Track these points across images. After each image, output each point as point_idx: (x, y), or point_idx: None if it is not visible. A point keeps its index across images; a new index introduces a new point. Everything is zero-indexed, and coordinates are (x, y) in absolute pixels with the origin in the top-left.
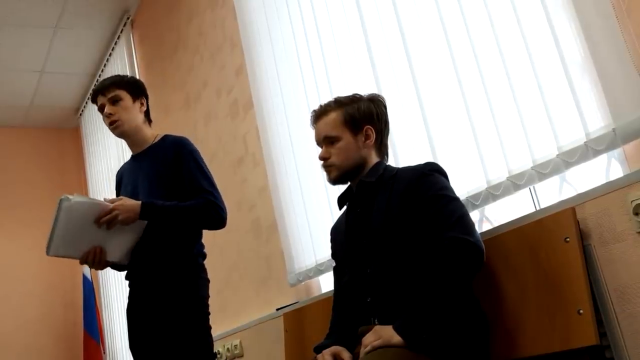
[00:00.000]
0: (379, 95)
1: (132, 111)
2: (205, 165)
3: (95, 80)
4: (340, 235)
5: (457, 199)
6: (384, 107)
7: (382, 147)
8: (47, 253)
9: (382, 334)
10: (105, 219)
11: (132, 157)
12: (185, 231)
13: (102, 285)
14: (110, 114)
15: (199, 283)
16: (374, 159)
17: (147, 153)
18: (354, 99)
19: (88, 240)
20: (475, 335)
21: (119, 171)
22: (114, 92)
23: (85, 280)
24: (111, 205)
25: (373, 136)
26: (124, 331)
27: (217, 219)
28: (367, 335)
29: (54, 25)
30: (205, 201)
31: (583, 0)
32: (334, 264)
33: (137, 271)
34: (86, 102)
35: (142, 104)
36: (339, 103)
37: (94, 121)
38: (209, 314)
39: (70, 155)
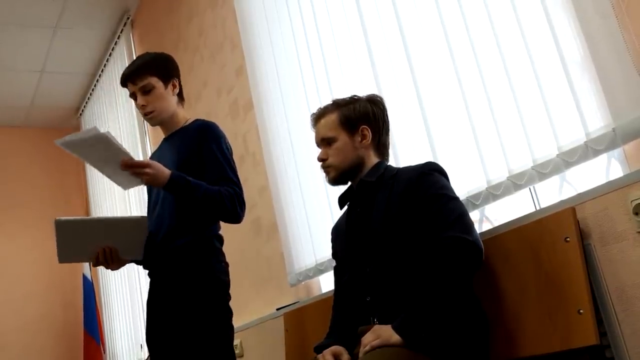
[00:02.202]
0: (377, 96)
1: (166, 98)
2: (232, 156)
3: (95, 80)
4: (340, 235)
5: (456, 198)
6: (381, 106)
7: (380, 147)
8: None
9: (381, 334)
10: (136, 170)
11: (163, 139)
12: (202, 215)
13: (102, 285)
14: (144, 105)
15: (217, 267)
16: (373, 158)
17: (176, 135)
18: (351, 101)
19: (96, 242)
20: (474, 335)
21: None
22: (145, 81)
23: (85, 280)
24: (144, 161)
25: (369, 136)
26: (124, 331)
27: (239, 213)
28: (366, 334)
29: (54, 25)
30: (232, 191)
31: None
32: (334, 264)
33: (154, 262)
34: (86, 102)
35: (174, 85)
36: (336, 105)
37: (94, 121)
38: (228, 299)
39: (70, 155)
